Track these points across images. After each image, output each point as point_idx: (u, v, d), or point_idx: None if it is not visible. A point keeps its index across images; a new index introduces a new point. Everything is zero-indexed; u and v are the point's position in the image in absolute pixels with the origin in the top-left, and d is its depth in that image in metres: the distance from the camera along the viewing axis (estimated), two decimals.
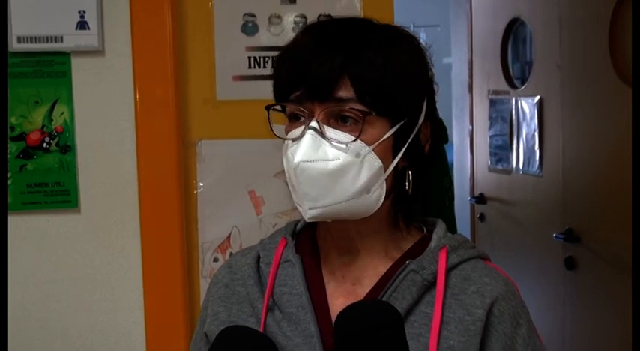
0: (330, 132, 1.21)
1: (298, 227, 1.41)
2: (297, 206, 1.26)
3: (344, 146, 1.21)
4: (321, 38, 1.24)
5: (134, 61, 2.17)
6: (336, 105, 1.21)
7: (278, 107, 1.29)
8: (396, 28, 1.30)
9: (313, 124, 1.21)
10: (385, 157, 1.25)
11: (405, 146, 1.26)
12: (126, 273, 2.21)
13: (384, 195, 1.26)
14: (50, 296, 2.20)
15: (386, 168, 1.25)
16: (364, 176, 1.22)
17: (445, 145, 4.16)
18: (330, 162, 1.20)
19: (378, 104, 1.21)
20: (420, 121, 1.28)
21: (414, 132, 1.27)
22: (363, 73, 1.20)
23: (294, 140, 1.23)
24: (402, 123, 1.25)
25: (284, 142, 1.27)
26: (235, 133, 2.23)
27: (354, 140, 1.21)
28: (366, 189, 1.23)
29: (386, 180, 1.25)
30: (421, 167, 1.31)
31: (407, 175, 1.29)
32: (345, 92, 1.20)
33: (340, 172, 1.21)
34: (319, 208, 1.22)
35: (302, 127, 1.23)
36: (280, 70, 1.27)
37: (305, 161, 1.20)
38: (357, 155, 1.22)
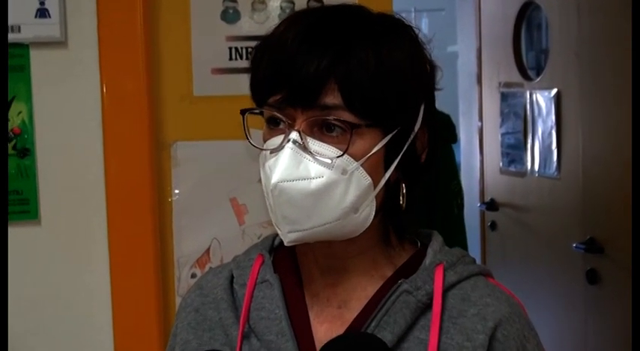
0: (313, 144, 1.20)
1: (276, 242, 1.40)
2: (276, 228, 1.25)
3: (328, 162, 1.19)
4: (306, 33, 1.21)
5: (101, 54, 2.17)
6: (321, 114, 1.19)
7: (255, 110, 1.27)
8: (391, 18, 1.29)
9: (294, 135, 1.19)
10: (375, 172, 1.23)
11: (399, 157, 1.25)
12: (92, 292, 2.22)
13: (373, 213, 1.25)
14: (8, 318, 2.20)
15: (376, 183, 1.23)
16: (351, 195, 1.21)
17: (453, 145, 4.19)
18: (313, 180, 1.19)
19: (368, 113, 1.20)
20: (417, 129, 1.27)
21: (409, 141, 1.26)
22: (352, 77, 1.18)
23: (272, 151, 1.22)
24: (395, 132, 1.23)
25: (261, 151, 1.26)
26: (215, 133, 2.23)
27: (341, 155, 1.19)
28: (354, 208, 1.22)
29: (376, 196, 1.24)
30: (416, 178, 1.30)
31: (400, 188, 1.28)
32: (332, 99, 1.19)
33: (324, 192, 1.19)
34: (300, 231, 1.21)
35: (281, 137, 1.21)
36: (258, 68, 1.25)
37: (284, 181, 1.19)
38: (344, 172, 1.20)
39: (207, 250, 2.25)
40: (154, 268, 2.20)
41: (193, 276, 2.25)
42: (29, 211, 2.19)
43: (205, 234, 2.25)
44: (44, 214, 2.20)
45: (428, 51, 1.30)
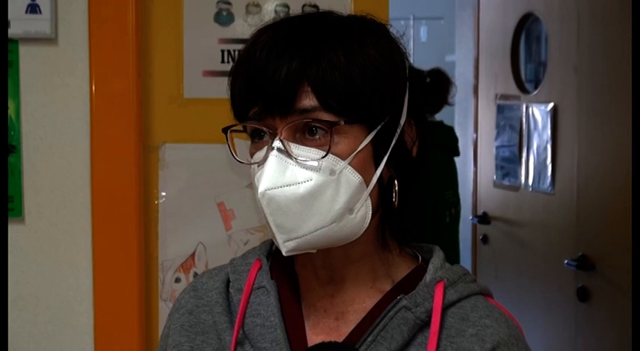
0: (296, 149, 1.21)
1: (274, 247, 1.40)
2: (274, 240, 1.25)
3: (315, 164, 1.20)
4: (274, 41, 1.23)
5: (91, 51, 2.18)
6: (299, 118, 1.21)
7: (239, 128, 1.28)
8: (361, 18, 1.30)
9: (276, 143, 1.20)
10: (366, 169, 1.24)
11: (388, 153, 1.26)
12: (75, 293, 2.22)
13: (370, 213, 1.25)
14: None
15: (368, 181, 1.24)
16: (343, 195, 1.22)
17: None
18: (301, 185, 1.20)
19: (346, 111, 1.21)
20: (402, 122, 1.28)
21: (396, 135, 1.27)
22: (324, 78, 1.20)
23: (259, 164, 1.23)
24: (379, 127, 1.24)
25: (250, 167, 1.27)
26: (204, 136, 2.24)
27: (324, 155, 1.20)
28: (348, 209, 1.22)
29: (370, 195, 1.25)
30: (410, 174, 1.31)
31: (393, 185, 1.28)
32: (308, 101, 1.20)
33: (314, 195, 1.20)
34: (296, 238, 1.21)
35: (266, 148, 1.23)
36: (235, 87, 1.27)
37: (271, 188, 1.20)
38: (332, 172, 1.21)
39: (193, 255, 2.26)
40: (138, 270, 2.21)
41: (177, 280, 2.25)
42: (13, 209, 2.19)
43: (191, 238, 2.26)
44: (28, 212, 2.21)
45: (402, 45, 1.31)
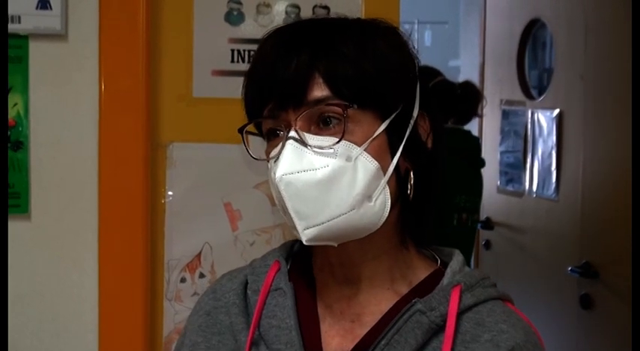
0: (312, 139, 1.22)
1: (295, 249, 1.41)
2: (293, 231, 1.25)
3: (331, 151, 1.21)
4: (283, 40, 1.25)
5: (101, 49, 2.18)
6: (312, 108, 1.22)
7: (254, 131, 1.30)
8: (369, 19, 1.32)
9: (292, 133, 1.22)
10: (382, 157, 1.25)
11: (403, 142, 1.27)
12: (79, 291, 2.22)
13: (389, 202, 1.25)
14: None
15: (385, 169, 1.25)
16: (361, 181, 1.22)
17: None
18: (318, 170, 1.21)
19: (358, 98, 1.22)
20: (415, 113, 1.29)
21: (410, 126, 1.28)
22: (335, 67, 1.22)
23: (276, 159, 1.24)
24: (393, 116, 1.25)
25: (268, 167, 1.28)
26: (212, 135, 2.24)
27: (338, 141, 1.21)
28: (367, 195, 1.23)
29: (389, 184, 1.25)
30: (426, 167, 1.31)
31: (409, 177, 1.29)
32: (319, 92, 1.22)
33: (332, 181, 1.21)
34: (316, 226, 1.21)
35: (281, 144, 1.23)
36: (248, 89, 1.29)
37: (288, 173, 1.20)
38: (348, 158, 1.22)
39: (198, 255, 2.26)
40: (143, 269, 2.20)
41: (183, 280, 2.25)
42: (19, 206, 2.19)
43: (197, 238, 2.26)
44: (34, 208, 2.20)
45: (412, 45, 1.33)
